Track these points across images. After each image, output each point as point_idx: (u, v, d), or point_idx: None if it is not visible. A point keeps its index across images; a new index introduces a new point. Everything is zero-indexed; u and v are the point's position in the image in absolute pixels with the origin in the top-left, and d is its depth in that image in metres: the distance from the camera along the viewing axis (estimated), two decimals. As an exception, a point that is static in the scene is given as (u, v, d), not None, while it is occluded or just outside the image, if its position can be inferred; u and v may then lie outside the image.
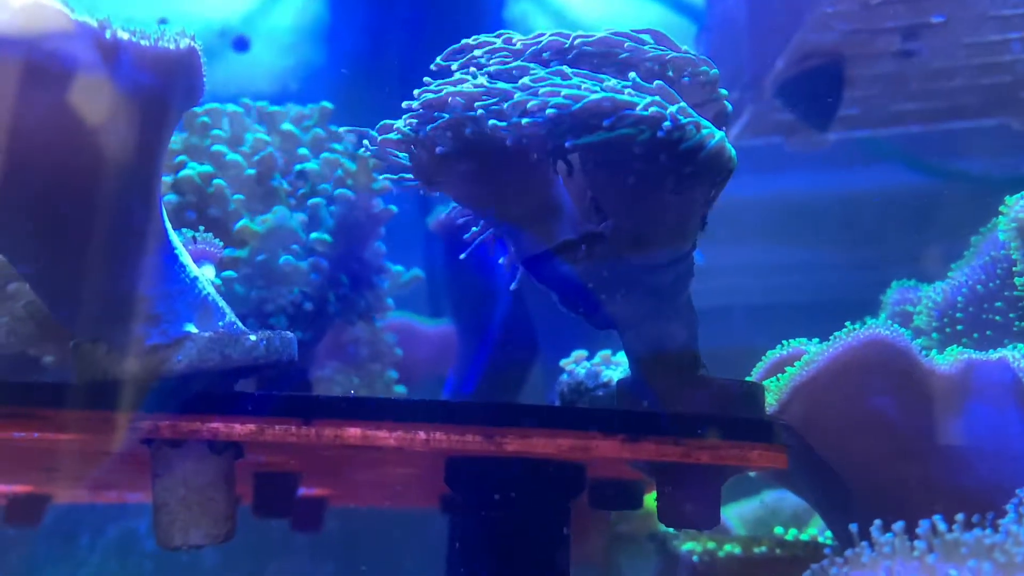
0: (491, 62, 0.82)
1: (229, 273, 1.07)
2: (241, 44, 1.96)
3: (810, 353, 0.87)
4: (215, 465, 0.77)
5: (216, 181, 1.11)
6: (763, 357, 0.99)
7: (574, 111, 0.70)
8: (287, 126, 1.21)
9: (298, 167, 1.16)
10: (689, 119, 0.71)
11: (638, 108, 0.70)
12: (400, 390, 1.42)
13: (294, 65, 2.07)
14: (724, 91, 0.81)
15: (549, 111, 0.71)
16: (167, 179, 1.12)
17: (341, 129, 1.26)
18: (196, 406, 0.74)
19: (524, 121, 0.72)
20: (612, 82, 0.73)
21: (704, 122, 0.73)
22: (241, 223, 1.09)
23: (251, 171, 1.15)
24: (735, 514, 1.53)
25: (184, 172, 1.11)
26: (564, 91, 0.71)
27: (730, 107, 0.81)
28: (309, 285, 1.13)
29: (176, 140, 1.16)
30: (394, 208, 1.25)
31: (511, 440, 0.76)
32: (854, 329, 0.85)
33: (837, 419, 0.88)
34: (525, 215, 0.88)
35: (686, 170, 0.73)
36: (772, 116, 1.69)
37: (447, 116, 0.78)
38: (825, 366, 0.85)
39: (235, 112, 1.20)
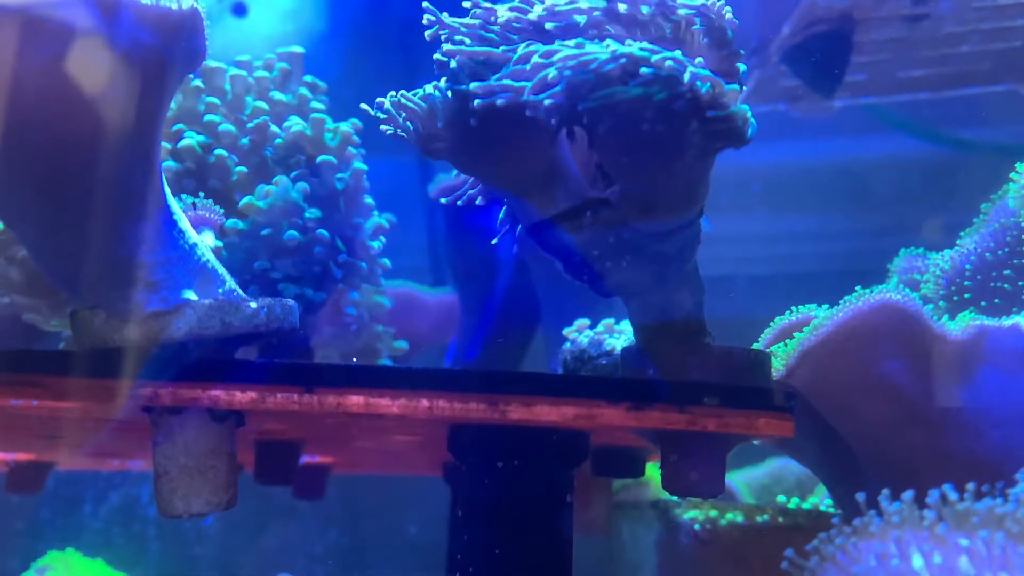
0: (499, 27, 0.80)
1: (232, 240, 1.06)
2: (240, 9, 1.93)
3: (819, 318, 0.85)
4: (216, 433, 0.77)
5: (217, 152, 1.10)
6: (771, 324, 0.98)
7: (591, 72, 0.69)
8: (276, 94, 1.19)
9: (279, 139, 1.14)
10: (710, 79, 0.70)
11: (656, 65, 0.68)
12: (401, 345, 1.41)
13: (294, 31, 2.05)
14: (741, 51, 0.79)
15: (566, 72, 0.69)
16: (166, 145, 1.10)
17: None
18: (196, 373, 0.74)
19: (545, 99, 0.70)
20: (632, 46, 0.72)
21: (724, 83, 0.71)
22: (245, 200, 1.08)
23: (244, 140, 1.13)
24: (741, 480, 1.53)
25: (184, 141, 1.10)
26: (580, 56, 0.69)
27: (743, 68, 0.79)
28: (312, 257, 1.12)
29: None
30: (364, 166, 1.23)
31: (515, 408, 0.76)
32: (865, 293, 0.83)
33: (846, 384, 0.87)
34: (529, 181, 0.87)
35: (711, 123, 0.71)
36: (778, 82, 1.67)
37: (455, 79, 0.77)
38: (835, 330, 0.84)
39: (237, 74, 1.18)
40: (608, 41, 0.72)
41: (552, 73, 0.70)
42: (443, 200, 1.10)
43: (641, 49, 0.70)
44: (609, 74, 0.69)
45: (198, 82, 1.14)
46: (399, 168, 1.27)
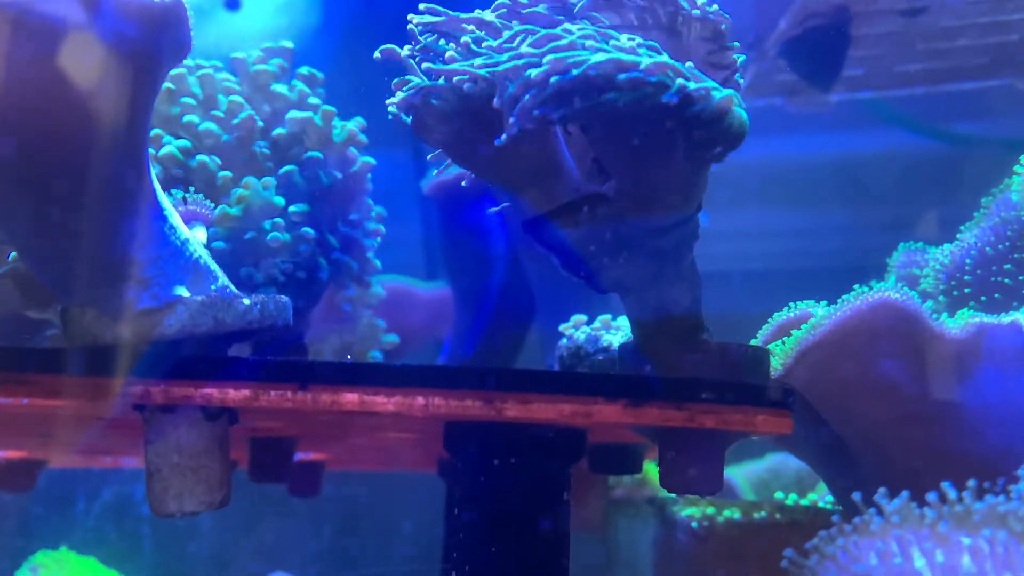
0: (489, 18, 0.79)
1: (219, 244, 1.04)
2: (233, 3, 1.92)
3: (817, 316, 0.85)
4: (209, 431, 0.76)
5: (199, 157, 1.06)
6: (769, 320, 0.97)
7: (577, 77, 0.68)
8: (278, 87, 1.17)
9: (281, 129, 1.13)
10: (700, 84, 0.69)
11: (645, 72, 0.67)
12: (392, 339, 1.39)
13: (287, 25, 2.03)
14: (736, 43, 0.78)
15: (553, 79, 0.68)
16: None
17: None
18: (189, 371, 0.73)
19: (526, 97, 0.69)
20: (621, 41, 0.71)
21: (714, 85, 0.70)
22: (219, 209, 1.05)
23: (228, 137, 1.10)
24: (740, 474, 1.53)
25: (164, 149, 1.06)
26: (569, 57, 0.68)
27: (742, 58, 0.78)
28: (299, 256, 1.10)
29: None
30: (372, 160, 1.21)
31: (511, 405, 0.75)
32: (863, 291, 0.83)
33: (844, 384, 0.86)
34: (525, 176, 0.86)
35: (697, 134, 0.70)
36: (775, 76, 1.67)
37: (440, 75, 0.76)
38: (833, 329, 0.83)
39: (205, 74, 1.14)
40: (598, 41, 0.71)
41: (536, 73, 0.69)
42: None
43: (628, 53, 0.69)
44: (596, 78, 0.68)
45: (169, 84, 1.10)
46: (393, 161, 1.25)
